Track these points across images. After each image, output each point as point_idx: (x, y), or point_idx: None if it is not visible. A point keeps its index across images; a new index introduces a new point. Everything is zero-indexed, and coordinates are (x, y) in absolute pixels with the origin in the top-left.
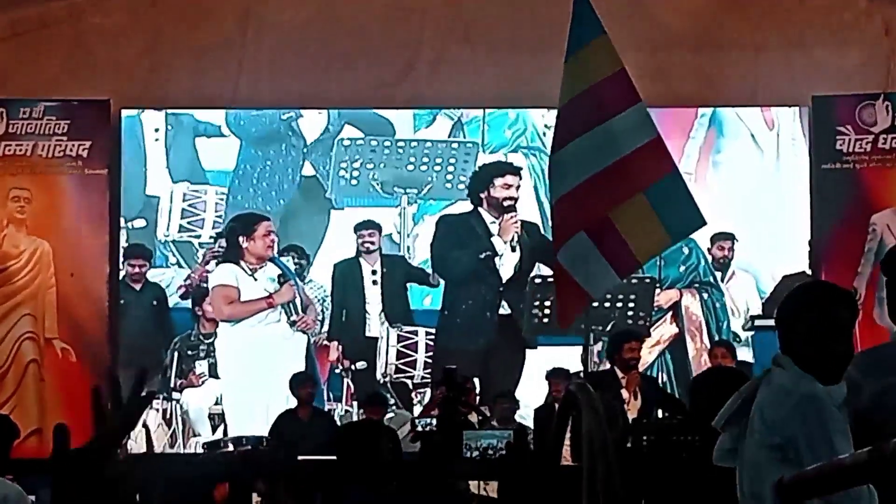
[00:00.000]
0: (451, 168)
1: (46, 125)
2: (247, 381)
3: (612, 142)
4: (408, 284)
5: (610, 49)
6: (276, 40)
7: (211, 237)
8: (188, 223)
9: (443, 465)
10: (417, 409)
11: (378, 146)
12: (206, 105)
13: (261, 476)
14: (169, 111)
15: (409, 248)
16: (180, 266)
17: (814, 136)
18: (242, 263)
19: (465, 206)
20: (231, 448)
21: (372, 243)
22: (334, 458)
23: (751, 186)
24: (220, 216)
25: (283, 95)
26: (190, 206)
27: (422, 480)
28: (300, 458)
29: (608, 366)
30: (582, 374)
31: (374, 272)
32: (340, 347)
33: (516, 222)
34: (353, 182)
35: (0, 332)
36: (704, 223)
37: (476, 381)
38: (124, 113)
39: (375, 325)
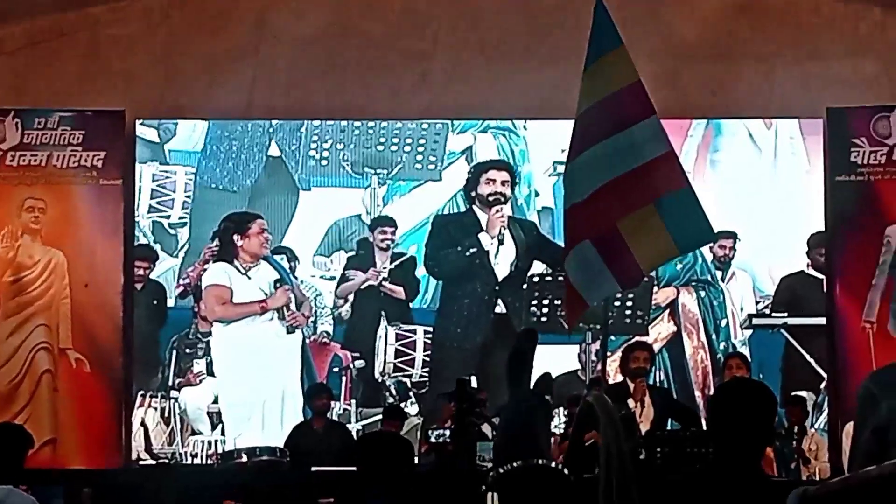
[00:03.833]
0: (420, 148)
1: (61, 135)
2: (242, 380)
3: (624, 152)
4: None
5: (627, 60)
6: (291, 51)
7: (180, 217)
8: (157, 203)
9: (457, 477)
10: (414, 409)
11: (348, 126)
12: (220, 116)
13: (275, 488)
14: (182, 122)
15: None
16: (149, 248)
17: (828, 148)
18: (237, 262)
19: (435, 187)
20: (245, 459)
21: (392, 241)
22: (350, 469)
23: (748, 185)
24: (188, 196)
25: (297, 106)
26: (159, 186)
27: (436, 491)
28: (314, 469)
29: (620, 378)
30: (589, 381)
31: (384, 268)
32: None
33: (502, 216)
34: (323, 163)
35: (14, 342)
36: (714, 238)
37: (473, 379)
38: (138, 123)
39: (384, 322)
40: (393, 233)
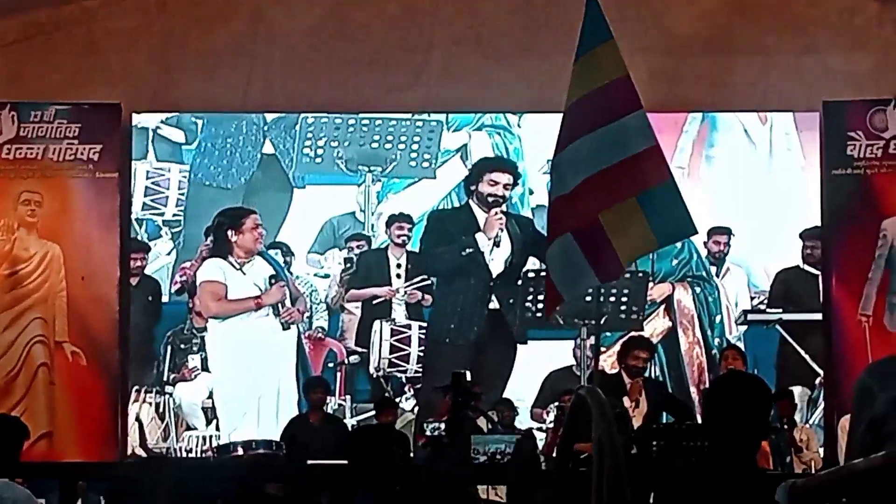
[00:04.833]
0: (415, 146)
1: (57, 128)
2: (237, 376)
3: (609, 146)
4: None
5: (616, 54)
6: (287, 45)
7: (174, 215)
8: (152, 201)
9: (452, 470)
10: (409, 404)
11: (342, 123)
12: (216, 109)
13: (271, 481)
14: (177, 115)
15: (372, 226)
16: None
17: (825, 142)
18: (231, 258)
19: (430, 185)
20: (241, 452)
21: (408, 237)
22: (345, 461)
23: (743, 181)
24: (182, 193)
25: (293, 100)
26: (153, 183)
27: (431, 485)
28: (310, 462)
29: (617, 369)
30: (588, 375)
31: (398, 265)
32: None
33: (500, 218)
34: (318, 160)
35: (10, 335)
36: (695, 232)
37: (467, 374)
38: (135, 117)
39: (400, 317)
40: (410, 230)
